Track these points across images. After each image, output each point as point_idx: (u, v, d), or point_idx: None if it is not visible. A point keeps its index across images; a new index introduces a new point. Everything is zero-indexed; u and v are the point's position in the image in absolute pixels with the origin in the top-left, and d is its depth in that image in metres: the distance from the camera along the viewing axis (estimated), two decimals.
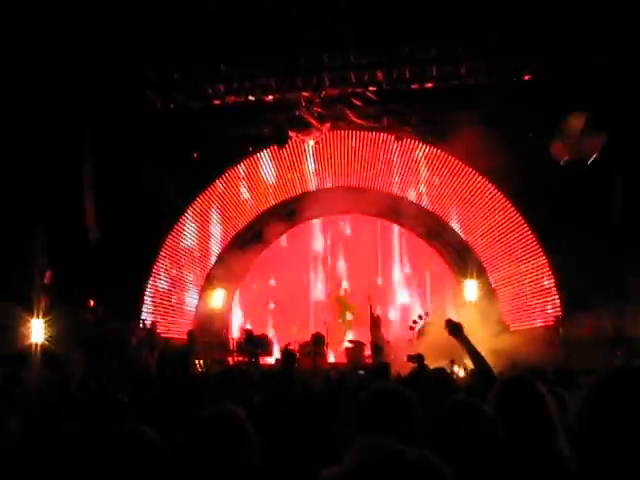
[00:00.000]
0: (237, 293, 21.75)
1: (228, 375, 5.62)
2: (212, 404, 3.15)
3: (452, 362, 12.72)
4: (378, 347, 17.82)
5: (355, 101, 17.16)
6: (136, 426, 2.73)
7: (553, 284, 17.47)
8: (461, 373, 12.43)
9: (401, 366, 10.21)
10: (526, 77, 15.96)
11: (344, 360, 18.67)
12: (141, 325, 17.50)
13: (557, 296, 17.33)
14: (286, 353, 7.33)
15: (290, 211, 21.09)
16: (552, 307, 17.55)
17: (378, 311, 20.15)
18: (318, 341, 18.38)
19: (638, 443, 1.84)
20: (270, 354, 18.37)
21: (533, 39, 15.02)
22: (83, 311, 16.23)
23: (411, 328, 19.24)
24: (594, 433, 1.92)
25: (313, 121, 17.69)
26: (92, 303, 16.54)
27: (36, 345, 15.19)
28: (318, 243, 22.36)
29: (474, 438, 2.88)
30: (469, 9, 13.87)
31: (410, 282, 21.98)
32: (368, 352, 18.53)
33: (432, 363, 8.90)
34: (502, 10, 13.93)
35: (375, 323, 18.77)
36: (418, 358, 8.35)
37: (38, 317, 15.44)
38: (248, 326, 20.00)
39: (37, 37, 13.28)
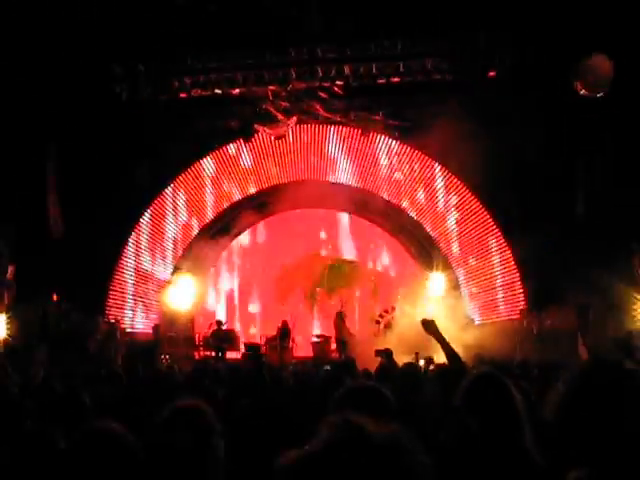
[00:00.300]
0: (205, 286, 21.60)
1: (198, 373, 5.60)
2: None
3: (416, 355, 12.79)
4: (342, 342, 17.90)
5: (322, 95, 17.16)
6: (105, 423, 2.69)
7: (518, 278, 17.65)
8: (422, 364, 12.50)
9: (368, 360, 10.25)
10: (491, 73, 16.09)
11: (311, 354, 18.69)
12: (105, 320, 17.32)
13: (522, 289, 17.52)
14: (252, 354, 7.28)
15: (258, 204, 20.97)
16: (517, 300, 17.74)
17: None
18: (284, 334, 18.37)
19: (613, 436, 1.88)
20: (237, 349, 18.29)
21: (499, 36, 15.16)
22: (46, 306, 16.02)
23: (377, 322, 19.31)
24: (571, 427, 1.96)
25: (279, 115, 17.66)
26: (55, 298, 16.33)
27: None
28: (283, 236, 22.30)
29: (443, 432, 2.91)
30: (435, 6, 13.96)
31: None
32: (334, 346, 18.60)
33: (398, 356, 8.97)
34: (467, 7, 14.04)
35: (340, 317, 18.81)
36: (386, 354, 8.38)
37: (1, 313, 15.21)
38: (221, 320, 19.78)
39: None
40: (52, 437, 2.81)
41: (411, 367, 5.67)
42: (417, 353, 12.75)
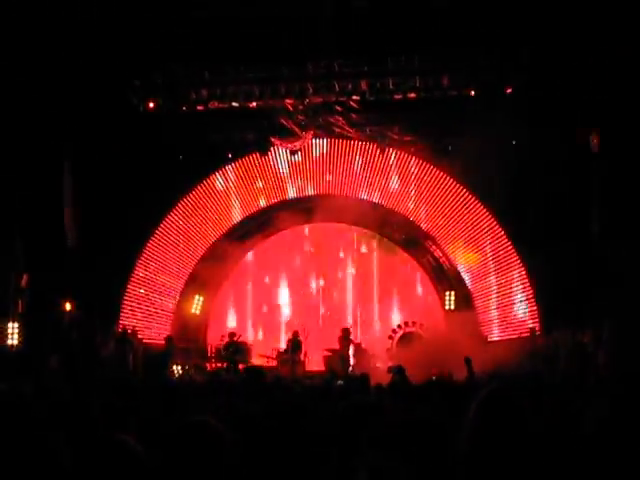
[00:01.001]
0: (219, 298, 21.64)
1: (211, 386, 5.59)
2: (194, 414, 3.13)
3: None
4: (343, 357, 17.93)
5: (338, 110, 17.23)
6: (119, 436, 2.70)
7: (531, 296, 17.56)
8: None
9: (380, 374, 10.25)
10: (508, 90, 16.10)
11: (322, 368, 18.62)
12: (119, 330, 17.36)
13: (535, 308, 17.43)
14: (251, 373, 7.19)
15: (270, 218, 21.01)
16: (529, 318, 17.65)
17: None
18: (295, 348, 18.32)
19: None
20: (248, 361, 18.25)
21: (516, 54, 15.17)
22: (60, 315, 16.10)
23: (390, 337, 19.27)
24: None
25: (296, 129, 17.72)
26: (69, 307, 16.40)
27: (12, 347, 15.06)
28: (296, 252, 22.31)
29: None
30: (453, 23, 14.01)
31: (389, 291, 21.95)
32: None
33: (412, 373, 8.93)
34: (486, 25, 14.07)
35: (345, 333, 18.71)
36: (399, 370, 8.36)
37: (14, 321, 15.29)
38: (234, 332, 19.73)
39: (20, 42, 13.25)
40: (57, 445, 2.81)
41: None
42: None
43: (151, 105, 17.07)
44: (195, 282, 20.28)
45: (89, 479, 2.51)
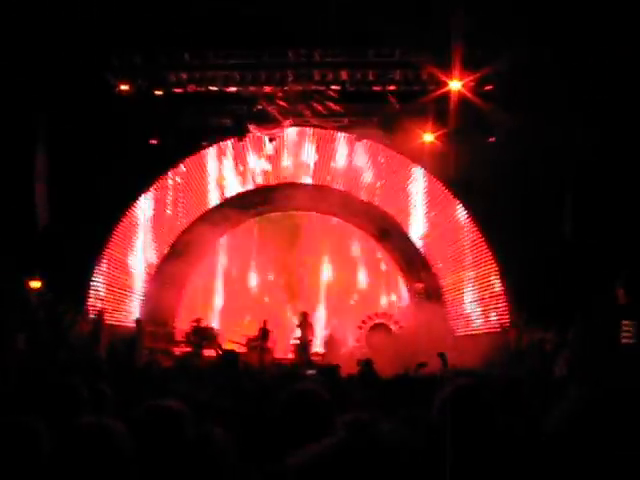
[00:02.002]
0: (190, 282, 21.58)
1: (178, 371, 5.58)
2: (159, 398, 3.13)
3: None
4: (304, 344, 18.02)
5: (317, 99, 17.21)
6: (101, 418, 2.68)
7: (502, 292, 17.72)
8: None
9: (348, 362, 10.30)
10: (487, 87, 16.18)
11: (291, 356, 18.68)
12: (89, 311, 17.23)
13: (505, 304, 17.59)
14: (227, 357, 7.20)
15: (246, 204, 20.94)
16: (499, 314, 17.80)
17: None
18: (264, 335, 18.34)
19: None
20: (215, 347, 18.17)
21: (496, 51, 15.24)
22: (27, 293, 15.93)
23: (360, 327, 19.35)
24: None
25: (274, 116, 17.68)
26: (37, 285, 16.21)
27: None
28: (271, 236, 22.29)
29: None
30: (436, 19, 14.04)
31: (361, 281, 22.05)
32: (314, 349, 18.65)
33: (381, 366, 8.99)
34: (468, 21, 14.12)
35: (303, 318, 18.78)
36: (367, 363, 8.42)
37: None
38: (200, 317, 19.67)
39: None
40: (34, 426, 2.79)
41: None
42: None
43: (129, 86, 16.90)
44: (167, 265, 20.16)
45: (67, 464, 2.49)
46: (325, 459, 1.28)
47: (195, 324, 18.38)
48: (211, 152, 19.59)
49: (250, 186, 20.65)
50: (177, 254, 20.10)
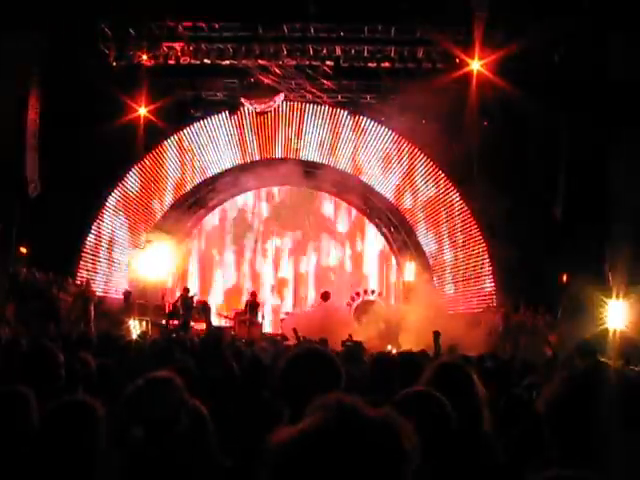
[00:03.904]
0: (179, 255, 21.58)
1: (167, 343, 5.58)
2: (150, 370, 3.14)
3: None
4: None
5: (311, 74, 17.11)
6: (81, 397, 2.69)
7: (490, 271, 17.79)
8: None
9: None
10: (480, 66, 16.10)
11: (279, 331, 18.72)
12: (77, 282, 17.20)
13: (493, 283, 17.67)
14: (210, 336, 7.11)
15: (236, 178, 20.91)
16: (487, 294, 17.90)
17: None
18: (252, 309, 18.33)
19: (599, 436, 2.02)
20: (207, 321, 18.20)
21: (491, 30, 15.15)
22: (16, 264, 15.87)
23: (348, 304, 19.43)
24: (562, 424, 2.12)
25: (267, 89, 17.59)
26: (24, 251, 16.11)
27: None
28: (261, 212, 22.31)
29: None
30: None
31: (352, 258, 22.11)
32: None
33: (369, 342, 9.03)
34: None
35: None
36: (355, 345, 8.45)
37: None
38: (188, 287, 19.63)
39: None
40: (25, 398, 2.81)
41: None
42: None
43: (122, 57, 16.74)
44: (156, 238, 20.11)
45: (51, 437, 2.51)
46: (306, 440, 1.26)
47: (183, 294, 18.34)
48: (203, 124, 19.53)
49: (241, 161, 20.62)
50: (167, 228, 20.07)
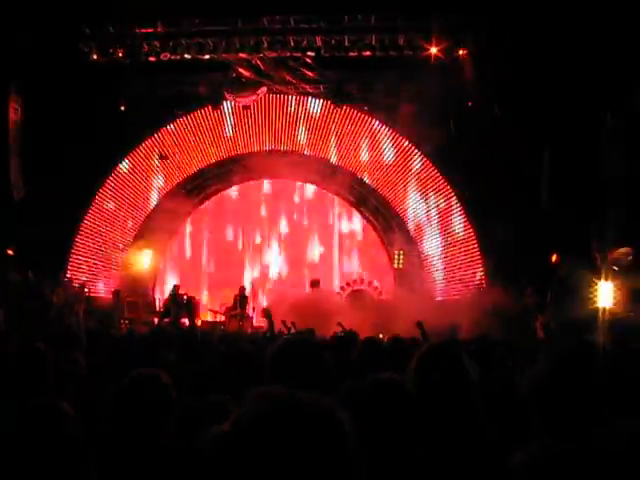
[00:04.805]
0: (168, 252, 21.56)
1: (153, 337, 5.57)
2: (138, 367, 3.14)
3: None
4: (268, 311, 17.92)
5: (293, 65, 17.09)
6: (53, 399, 2.69)
7: (479, 256, 17.83)
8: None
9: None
10: (462, 52, 16.13)
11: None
12: (67, 283, 17.13)
13: (482, 268, 17.71)
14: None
15: (223, 172, 20.89)
16: (477, 279, 17.94)
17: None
18: (241, 304, 18.32)
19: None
20: (195, 317, 18.15)
21: (470, 16, 15.20)
22: (6, 267, 15.79)
23: (342, 289, 19.48)
24: (548, 402, 2.17)
25: (249, 83, 17.55)
26: (11, 253, 16.02)
27: None
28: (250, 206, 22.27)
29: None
30: None
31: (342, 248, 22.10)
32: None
33: (359, 329, 9.03)
34: None
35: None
36: (346, 334, 8.44)
37: None
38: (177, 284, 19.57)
39: None
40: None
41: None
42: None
43: (102, 55, 16.67)
44: (144, 236, 20.10)
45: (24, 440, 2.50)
46: (243, 432, 1.24)
47: (172, 292, 18.30)
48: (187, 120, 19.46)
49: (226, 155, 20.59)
50: (157, 224, 20.02)
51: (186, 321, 17.51)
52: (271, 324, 9.46)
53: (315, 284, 18.96)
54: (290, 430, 1.22)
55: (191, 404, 3.23)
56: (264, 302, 20.02)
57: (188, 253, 22.06)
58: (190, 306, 18.04)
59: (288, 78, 17.66)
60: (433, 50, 16.09)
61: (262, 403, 1.27)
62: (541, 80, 14.29)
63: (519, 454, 2.17)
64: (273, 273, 21.76)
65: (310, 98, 18.79)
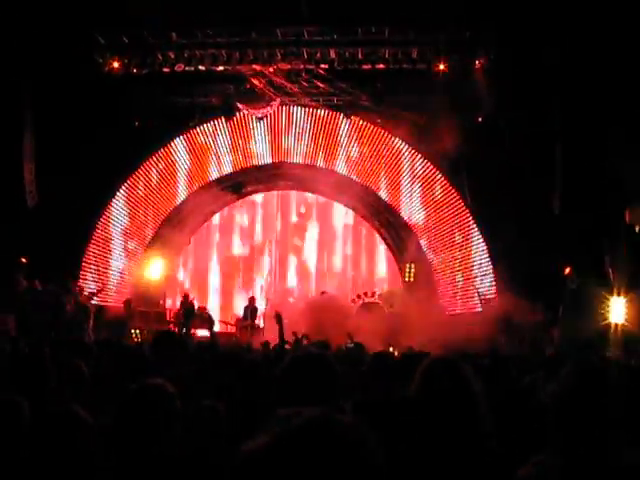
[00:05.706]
0: (178, 263, 21.61)
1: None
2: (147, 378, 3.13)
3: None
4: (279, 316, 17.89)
5: (306, 77, 17.13)
6: (70, 407, 2.68)
7: (490, 269, 17.74)
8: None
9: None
10: (477, 64, 16.14)
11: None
12: (78, 292, 17.15)
13: (493, 281, 17.62)
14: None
15: (235, 184, 20.92)
16: (488, 292, 17.84)
17: None
18: (252, 315, 18.28)
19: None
20: (206, 328, 18.14)
21: (485, 28, 15.21)
22: (17, 274, 15.83)
23: (353, 301, 19.44)
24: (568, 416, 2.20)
25: (263, 95, 17.59)
26: (24, 261, 16.07)
27: None
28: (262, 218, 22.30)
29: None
30: None
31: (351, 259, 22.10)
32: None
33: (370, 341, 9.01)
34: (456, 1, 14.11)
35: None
36: (356, 345, 8.40)
37: None
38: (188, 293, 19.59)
39: None
40: (20, 407, 2.80)
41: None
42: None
43: (116, 65, 16.78)
44: (156, 245, 20.14)
45: (42, 446, 2.50)
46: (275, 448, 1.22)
47: (182, 301, 18.30)
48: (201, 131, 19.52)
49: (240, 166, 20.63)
50: (167, 235, 20.07)
51: (198, 332, 17.54)
52: (281, 330, 9.39)
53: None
54: (327, 451, 1.22)
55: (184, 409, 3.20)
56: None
57: (199, 263, 22.09)
58: (211, 318, 18.07)
59: (301, 90, 17.68)
60: (441, 67, 16.16)
61: (299, 423, 1.26)
62: (552, 86, 14.28)
63: (523, 469, 2.17)
64: (283, 285, 21.76)
65: (322, 110, 18.82)
